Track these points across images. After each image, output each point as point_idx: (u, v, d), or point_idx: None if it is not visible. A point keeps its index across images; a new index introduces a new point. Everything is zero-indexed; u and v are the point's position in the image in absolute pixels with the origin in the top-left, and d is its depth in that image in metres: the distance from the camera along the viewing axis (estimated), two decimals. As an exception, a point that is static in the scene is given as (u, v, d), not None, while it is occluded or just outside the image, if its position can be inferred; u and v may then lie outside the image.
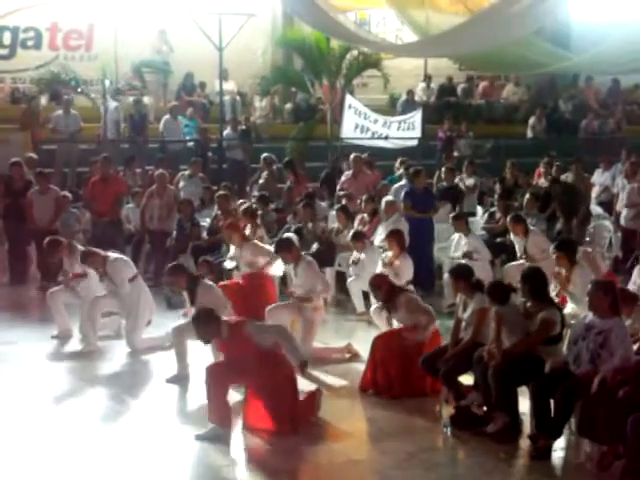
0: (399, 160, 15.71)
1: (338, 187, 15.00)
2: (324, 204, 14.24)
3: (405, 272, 10.15)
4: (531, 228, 11.20)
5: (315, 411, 7.61)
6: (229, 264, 11.18)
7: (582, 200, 13.86)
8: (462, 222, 11.64)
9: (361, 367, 8.60)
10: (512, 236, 11.45)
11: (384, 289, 8.56)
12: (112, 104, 17.99)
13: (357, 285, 11.19)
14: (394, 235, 10.51)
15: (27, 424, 7.49)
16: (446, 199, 14.01)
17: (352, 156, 15.44)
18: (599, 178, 16.52)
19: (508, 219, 11.35)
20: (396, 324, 8.70)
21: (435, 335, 8.44)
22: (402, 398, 8.01)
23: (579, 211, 13.25)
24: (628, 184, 13.98)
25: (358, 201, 13.18)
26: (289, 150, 18.04)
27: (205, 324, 7.23)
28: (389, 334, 8.57)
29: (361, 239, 11.26)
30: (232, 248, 11.14)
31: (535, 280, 7.28)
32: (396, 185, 14.11)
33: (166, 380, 8.63)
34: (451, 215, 12.19)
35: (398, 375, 8.13)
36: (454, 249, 11.66)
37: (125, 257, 10.33)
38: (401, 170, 15.18)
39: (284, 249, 9.70)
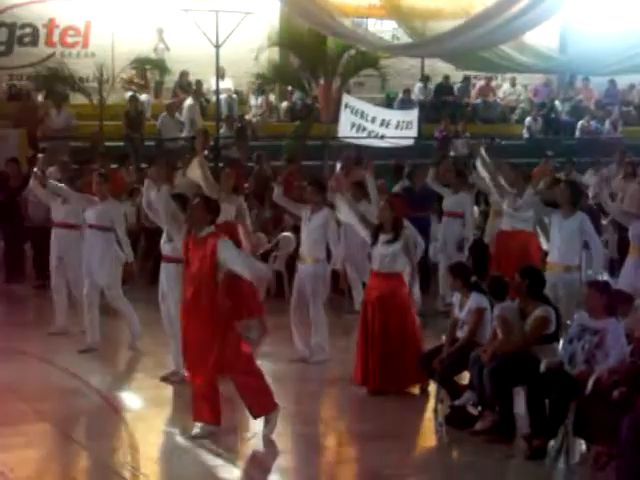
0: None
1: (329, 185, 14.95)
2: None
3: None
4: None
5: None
6: None
7: None
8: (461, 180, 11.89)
9: (352, 364, 8.53)
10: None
11: (396, 214, 8.29)
12: (188, 101, 18.14)
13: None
14: None
15: (22, 423, 7.47)
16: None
17: (343, 154, 15.43)
18: (591, 179, 16.45)
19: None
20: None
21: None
22: (396, 396, 8.03)
23: None
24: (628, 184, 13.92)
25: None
26: (285, 149, 18.01)
27: (204, 209, 7.07)
28: (364, 332, 8.39)
29: None
30: None
31: (536, 276, 7.28)
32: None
33: (160, 378, 8.60)
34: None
35: (376, 368, 8.12)
36: None
37: None
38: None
39: (317, 188, 9.33)
